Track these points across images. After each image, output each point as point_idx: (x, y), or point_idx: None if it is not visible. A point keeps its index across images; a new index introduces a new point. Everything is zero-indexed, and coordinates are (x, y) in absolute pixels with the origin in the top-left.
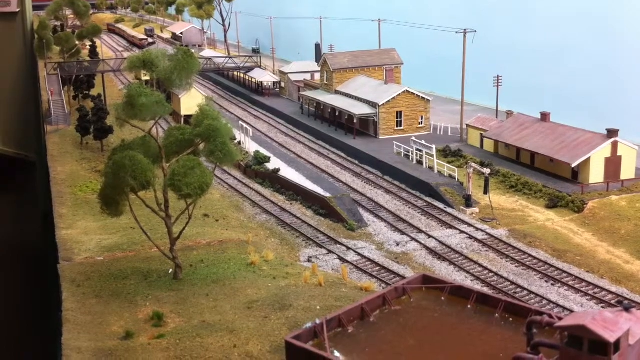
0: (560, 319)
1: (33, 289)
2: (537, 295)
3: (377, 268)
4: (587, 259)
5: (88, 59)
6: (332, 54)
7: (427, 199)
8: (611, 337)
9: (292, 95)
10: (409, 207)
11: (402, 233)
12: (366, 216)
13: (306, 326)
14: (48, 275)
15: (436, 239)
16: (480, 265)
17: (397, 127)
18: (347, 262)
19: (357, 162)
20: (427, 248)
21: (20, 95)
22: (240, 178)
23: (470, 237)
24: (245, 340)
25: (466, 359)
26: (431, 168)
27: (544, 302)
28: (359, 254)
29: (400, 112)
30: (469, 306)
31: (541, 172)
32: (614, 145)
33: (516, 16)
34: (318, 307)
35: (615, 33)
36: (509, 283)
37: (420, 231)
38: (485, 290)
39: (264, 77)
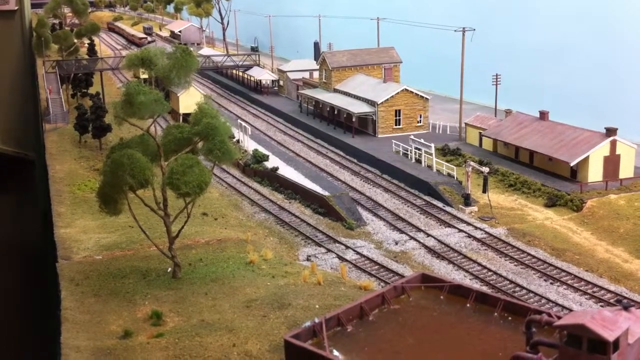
0: (559, 317)
1: (32, 288)
2: (536, 294)
3: (376, 267)
4: (586, 257)
5: (86, 57)
6: (331, 53)
7: (426, 197)
8: (610, 336)
9: (290, 94)
10: (408, 206)
11: (401, 232)
12: (365, 215)
13: (305, 325)
14: (47, 274)
15: (435, 238)
16: (479, 264)
17: (396, 125)
18: (346, 260)
19: (355, 160)
20: (426, 247)
21: (18, 93)
22: (239, 176)
23: (469, 235)
24: (244, 339)
25: (465, 358)
26: (430, 167)
27: (543, 300)
28: (357, 253)
29: (399, 110)
30: (468, 305)
31: (540, 170)
32: (613, 144)
33: (516, 15)
34: (317, 306)
35: (615, 32)
36: (508, 282)
37: (419, 230)
38: (484, 289)
39: (263, 75)
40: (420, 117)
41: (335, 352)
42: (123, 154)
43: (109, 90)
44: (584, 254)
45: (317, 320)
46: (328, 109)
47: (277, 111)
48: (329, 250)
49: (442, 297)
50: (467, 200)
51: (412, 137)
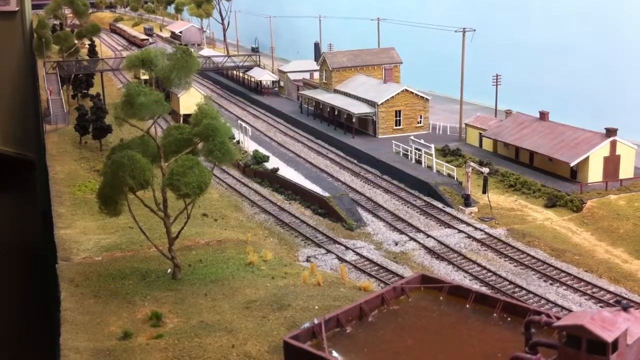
0: (558, 318)
1: (32, 289)
2: (535, 294)
3: (376, 268)
4: (586, 258)
5: (87, 58)
6: (331, 53)
7: (426, 198)
8: (609, 337)
9: (291, 94)
10: (408, 207)
11: (401, 232)
12: (365, 215)
13: (304, 326)
14: (47, 275)
15: (435, 239)
16: (479, 265)
17: (396, 126)
18: (346, 261)
19: (356, 161)
20: (426, 247)
21: (19, 94)
22: (239, 177)
23: (469, 236)
24: (243, 340)
25: (464, 359)
26: (430, 167)
27: (543, 301)
28: (357, 254)
29: (399, 111)
30: (467, 306)
31: (540, 171)
32: (613, 145)
33: (517, 15)
34: (316, 307)
35: (616, 33)
36: (508, 282)
37: (419, 230)
38: (484, 289)
39: (263, 76)
40: (421, 118)
41: (335, 353)
42: (123, 155)
43: (110, 91)
44: (584, 254)
45: (316, 321)
46: (328, 109)
47: (277, 112)
48: (328, 251)
49: (441, 298)
50: (467, 201)
51: (412, 137)
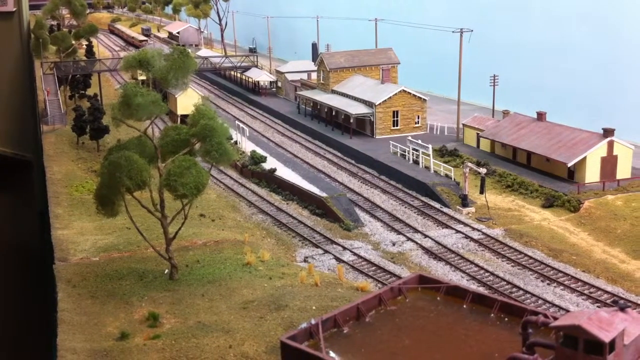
0: (555, 318)
1: (29, 289)
2: (532, 294)
3: (373, 268)
4: (583, 258)
5: (84, 58)
6: (329, 54)
7: (424, 198)
8: (606, 337)
9: (288, 95)
10: (405, 207)
11: (399, 233)
12: (362, 216)
13: (302, 326)
14: (44, 276)
15: (432, 239)
16: (476, 265)
17: (394, 126)
18: (343, 262)
19: (353, 161)
20: (423, 248)
21: (16, 95)
22: (237, 178)
23: (466, 236)
24: (240, 340)
25: (462, 359)
26: (427, 168)
27: (540, 301)
28: (355, 254)
29: (397, 111)
30: (464, 306)
31: (537, 171)
32: (610, 145)
33: (515, 15)
34: (314, 307)
35: (615, 33)
36: (505, 283)
37: (417, 231)
38: (481, 290)
39: (261, 76)
40: (418, 118)
41: (332, 354)
42: (120, 156)
43: (107, 92)
44: (581, 254)
45: (313, 322)
46: (326, 110)
47: (275, 112)
48: (326, 252)
49: (438, 298)
50: (465, 201)
51: (409, 138)
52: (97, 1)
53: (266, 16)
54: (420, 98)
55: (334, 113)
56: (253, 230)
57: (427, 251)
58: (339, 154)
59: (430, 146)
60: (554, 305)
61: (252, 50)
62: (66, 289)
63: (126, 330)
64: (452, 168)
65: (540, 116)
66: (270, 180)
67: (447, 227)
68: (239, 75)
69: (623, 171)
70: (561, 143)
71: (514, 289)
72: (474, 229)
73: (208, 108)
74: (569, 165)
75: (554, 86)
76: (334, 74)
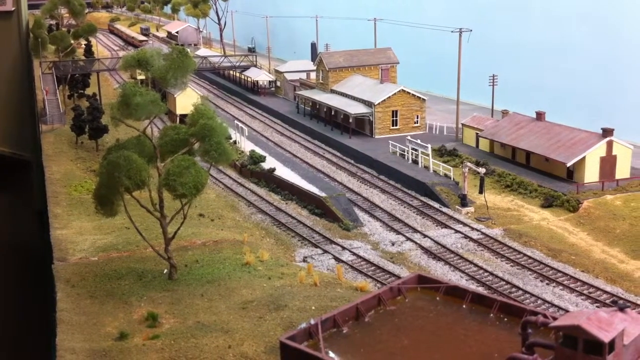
0: (555, 318)
1: (28, 289)
2: (532, 294)
3: (373, 268)
4: (582, 258)
5: (83, 58)
6: (328, 53)
7: (423, 198)
8: (606, 337)
9: (287, 95)
10: (405, 207)
11: (398, 233)
12: (362, 216)
13: (301, 326)
14: (43, 276)
15: (431, 239)
16: (476, 265)
17: (393, 126)
18: (343, 261)
19: (352, 161)
20: (423, 248)
21: (15, 94)
22: (236, 177)
23: (466, 236)
24: (240, 340)
25: (461, 359)
26: (427, 167)
27: (539, 301)
28: (354, 254)
29: (396, 111)
30: (464, 306)
31: (536, 171)
32: (609, 145)
33: (514, 15)
34: (313, 307)
35: (614, 33)
36: (504, 283)
37: (416, 231)
38: (481, 290)
39: (260, 76)
40: (417, 118)
41: (331, 354)
42: (119, 155)
43: (106, 91)
44: (580, 254)
45: (312, 322)
46: (325, 109)
47: (274, 112)
48: (325, 252)
49: (438, 298)
50: (464, 201)
51: (409, 137)
52: (96, 1)
53: (265, 16)
54: (420, 98)
55: (333, 113)
56: (252, 230)
57: (427, 251)
58: (338, 154)
59: (429, 146)
60: (553, 305)
61: (251, 50)
62: (65, 288)
63: (125, 330)
64: (451, 168)
65: (540, 116)
66: (270, 180)
67: (446, 226)
68: (238, 74)
69: (622, 171)
70: (560, 143)
71: (513, 289)
72: (473, 228)
73: (207, 108)
74: (568, 165)
75: (553, 86)
76: (333, 73)
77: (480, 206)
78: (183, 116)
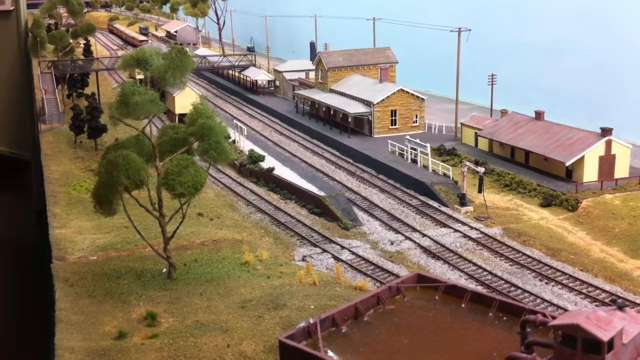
0: (554, 317)
1: (27, 288)
2: (531, 293)
3: (372, 267)
4: (581, 257)
5: (82, 57)
6: (327, 53)
7: (422, 197)
8: (605, 336)
9: (286, 94)
10: (404, 206)
11: (397, 232)
12: (361, 215)
13: (300, 326)
14: (42, 275)
15: (430, 238)
16: (475, 264)
17: (392, 125)
18: (342, 261)
19: (351, 160)
20: (422, 247)
21: (14, 94)
22: (235, 177)
23: (465, 235)
24: (238, 339)
25: (460, 358)
26: (425, 167)
27: (538, 300)
28: (353, 253)
29: (395, 110)
30: (463, 305)
31: (535, 170)
32: (608, 144)
33: (514, 14)
34: (312, 307)
35: (613, 32)
36: (503, 282)
37: (415, 230)
38: (480, 289)
39: (259, 75)
40: (416, 117)
41: (330, 353)
42: (118, 155)
43: (105, 91)
44: (579, 253)
45: (311, 321)
46: (324, 109)
47: (273, 111)
48: (324, 251)
49: (437, 297)
50: (463, 200)
51: (408, 137)
52: (95, 0)
53: (264, 15)
54: (419, 97)
55: (332, 112)
56: (251, 229)
57: (426, 250)
58: (337, 153)
59: (428, 145)
60: (552, 304)
61: (250, 50)
62: (64, 288)
63: (124, 330)
64: (450, 167)
65: (538, 115)
66: (269, 179)
67: (445, 226)
68: (237, 74)
69: (621, 170)
70: (559, 142)
71: (512, 288)
72: (472, 228)
73: (206, 107)
74: (567, 164)
75: (552, 85)
76: (332, 73)
77: (479, 205)
78: (182, 115)
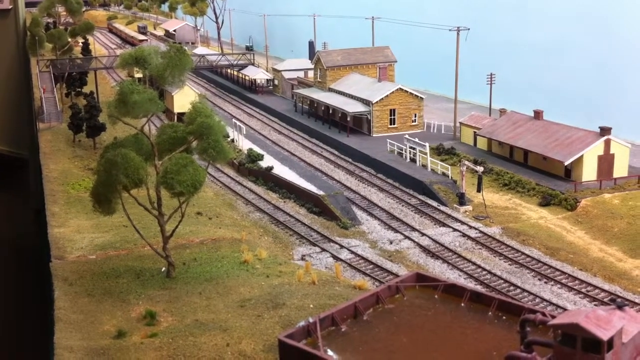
0: (553, 317)
1: (26, 287)
2: (530, 293)
3: (371, 266)
4: (580, 256)
5: (81, 56)
6: (326, 52)
7: (421, 196)
8: (604, 335)
9: (285, 93)
10: (403, 205)
11: (396, 231)
12: (360, 214)
13: (299, 325)
14: (41, 274)
15: (429, 237)
16: (474, 263)
17: (391, 124)
18: (341, 260)
19: (350, 160)
20: (421, 246)
21: (12, 92)
22: (234, 176)
23: (464, 235)
24: (238, 339)
25: (460, 357)
26: (424, 166)
27: (537, 300)
28: (352, 252)
29: (394, 109)
30: (462, 304)
31: (534, 170)
32: (607, 143)
33: (513, 14)
34: (311, 306)
35: (612, 32)
36: (502, 281)
37: (414, 229)
38: (479, 288)
39: (258, 74)
40: (415, 117)
41: (330, 352)
42: (117, 153)
43: (103, 90)
44: (578, 253)
45: (311, 320)
46: (323, 108)
47: (271, 110)
48: (323, 250)
49: (436, 296)
50: (462, 200)
51: (406, 136)
52: None
53: (263, 14)
54: (417, 96)
55: (331, 111)
56: (250, 229)
57: (425, 249)
58: (336, 152)
59: (427, 144)
60: (551, 303)
61: (249, 48)
62: (63, 287)
63: (123, 329)
64: (449, 166)
65: (537, 114)
66: (267, 179)
67: (445, 225)
68: (235, 73)
69: (620, 170)
70: (558, 141)
71: (512, 287)
72: (471, 227)
73: (205, 106)
74: (566, 163)
75: (551, 85)
76: (331, 72)
77: (478, 205)
78: (181, 114)
